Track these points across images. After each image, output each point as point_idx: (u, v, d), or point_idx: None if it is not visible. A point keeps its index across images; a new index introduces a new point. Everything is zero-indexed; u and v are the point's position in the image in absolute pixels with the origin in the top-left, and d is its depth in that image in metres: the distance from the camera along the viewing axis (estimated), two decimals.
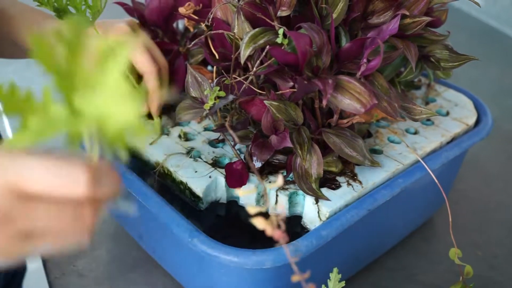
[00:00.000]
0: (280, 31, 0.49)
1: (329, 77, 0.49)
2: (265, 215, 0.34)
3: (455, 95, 0.72)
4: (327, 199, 0.54)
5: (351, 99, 0.48)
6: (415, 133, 0.64)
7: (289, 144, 0.51)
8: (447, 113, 0.68)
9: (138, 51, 0.60)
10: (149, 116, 0.63)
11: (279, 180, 0.32)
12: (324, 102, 0.47)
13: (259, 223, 0.35)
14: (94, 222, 0.33)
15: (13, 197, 0.30)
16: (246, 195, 0.54)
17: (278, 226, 0.36)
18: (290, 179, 0.56)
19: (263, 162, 0.53)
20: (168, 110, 0.66)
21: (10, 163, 0.30)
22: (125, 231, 0.72)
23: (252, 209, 0.35)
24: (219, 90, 0.55)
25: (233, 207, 0.59)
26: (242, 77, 0.54)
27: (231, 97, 0.54)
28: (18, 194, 0.31)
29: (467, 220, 0.76)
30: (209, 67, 0.71)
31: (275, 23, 0.58)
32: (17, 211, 0.31)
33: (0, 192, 0.30)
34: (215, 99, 0.54)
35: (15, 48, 0.65)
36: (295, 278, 0.30)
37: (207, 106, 0.55)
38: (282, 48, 0.51)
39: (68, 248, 0.34)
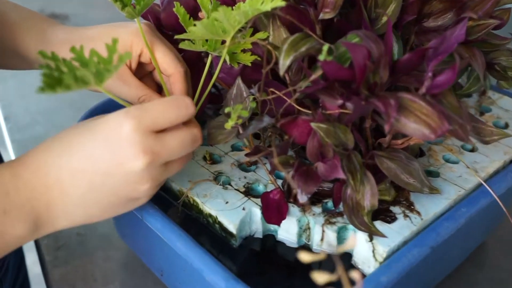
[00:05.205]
0: (325, 47, 0.41)
1: (389, 96, 0.41)
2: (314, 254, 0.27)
3: None
4: (383, 236, 0.46)
5: (417, 123, 0.40)
6: (472, 150, 0.56)
7: (341, 174, 0.43)
8: (506, 125, 0.60)
9: (161, 51, 0.52)
10: None
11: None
12: (387, 128, 0.39)
13: (320, 278, 0.27)
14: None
15: (153, 137, 0.42)
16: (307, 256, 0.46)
17: (352, 284, 0.29)
18: (338, 211, 0.49)
19: (309, 195, 0.45)
20: None
21: (141, 113, 0.42)
22: (140, 261, 0.64)
23: (305, 256, 0.28)
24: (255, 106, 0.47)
25: (270, 242, 0.51)
26: (283, 92, 0.46)
27: (267, 119, 0.46)
28: (156, 134, 0.42)
29: None
30: None
31: (317, 27, 0.50)
32: (159, 146, 0.42)
33: (146, 136, 0.42)
34: (237, 119, 0.46)
35: (17, 58, 0.57)
36: None
37: (228, 126, 0.46)
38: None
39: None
